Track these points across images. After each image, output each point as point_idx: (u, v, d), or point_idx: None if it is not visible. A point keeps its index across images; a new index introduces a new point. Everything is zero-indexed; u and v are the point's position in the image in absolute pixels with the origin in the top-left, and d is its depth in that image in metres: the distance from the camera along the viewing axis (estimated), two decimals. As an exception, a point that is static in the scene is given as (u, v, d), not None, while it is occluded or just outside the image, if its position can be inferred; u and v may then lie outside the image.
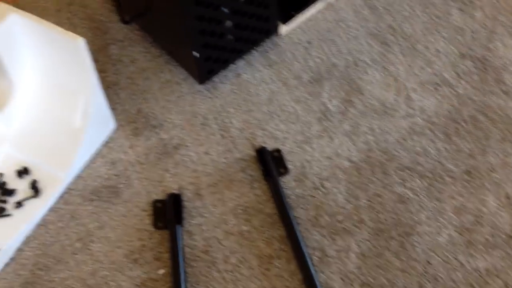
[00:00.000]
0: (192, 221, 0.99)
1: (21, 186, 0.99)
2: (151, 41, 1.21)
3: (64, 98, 1.01)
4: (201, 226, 0.98)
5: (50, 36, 0.91)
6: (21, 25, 0.92)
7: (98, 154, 1.06)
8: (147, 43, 1.21)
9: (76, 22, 1.24)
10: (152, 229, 0.98)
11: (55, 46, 0.93)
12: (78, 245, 0.96)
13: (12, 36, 0.92)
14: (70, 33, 0.88)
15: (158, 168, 1.05)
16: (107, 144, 1.08)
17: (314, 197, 1.00)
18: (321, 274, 0.92)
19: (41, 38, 0.93)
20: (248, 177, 1.04)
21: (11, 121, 1.01)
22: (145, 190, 1.03)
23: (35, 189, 0.98)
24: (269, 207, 1.00)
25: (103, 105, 1.03)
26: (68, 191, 1.02)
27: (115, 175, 1.04)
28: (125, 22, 1.13)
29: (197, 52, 1.01)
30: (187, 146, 1.08)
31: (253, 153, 1.07)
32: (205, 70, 1.08)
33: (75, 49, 0.90)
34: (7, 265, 0.93)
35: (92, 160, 1.05)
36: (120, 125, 1.10)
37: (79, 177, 1.03)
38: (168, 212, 0.98)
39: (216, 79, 1.16)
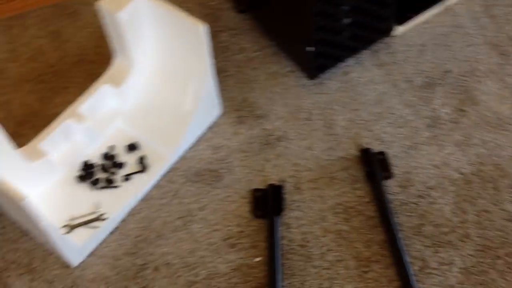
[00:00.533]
0: (291, 214, 1.01)
1: (130, 161, 1.04)
2: (261, 31, 1.23)
3: (178, 81, 1.05)
4: (299, 220, 1.00)
5: (172, 20, 0.95)
6: (147, 7, 0.96)
7: (203, 138, 1.10)
8: (257, 33, 1.24)
9: (191, 7, 1.28)
10: (250, 216, 1.01)
11: (176, 30, 0.97)
12: (178, 223, 1.00)
13: (137, 17, 0.97)
14: (193, 19, 0.92)
15: (259, 157, 1.08)
16: (211, 128, 1.11)
17: (418, 205, 0.99)
18: (421, 285, 0.91)
19: (164, 21, 0.97)
20: (350, 176, 1.05)
21: (127, 98, 1.06)
22: (246, 178, 1.05)
23: (143, 164, 1.03)
24: (370, 210, 1.00)
25: (213, 91, 1.06)
26: (172, 170, 1.06)
27: (218, 160, 1.07)
28: (240, 11, 1.16)
29: (312, 47, 1.03)
30: (289, 139, 1.10)
31: (357, 153, 1.07)
32: (316, 66, 1.09)
33: (196, 35, 0.94)
34: (111, 233, 0.98)
35: (197, 143, 1.09)
36: (225, 112, 1.13)
37: (183, 158, 1.07)
38: (268, 203, 1.00)
39: (323, 75, 1.17)
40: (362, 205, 1.01)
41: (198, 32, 0.91)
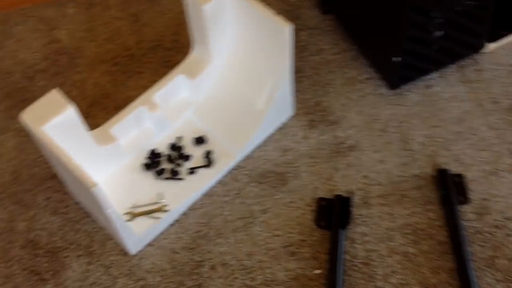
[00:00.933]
0: (356, 229, 0.98)
1: (196, 154, 1.04)
2: (342, 33, 1.20)
3: (254, 78, 1.03)
4: (364, 236, 0.97)
5: (257, 17, 0.94)
6: (232, 1, 0.95)
7: (271, 138, 1.08)
8: (337, 35, 1.21)
9: (270, 2, 1.26)
10: (313, 226, 0.99)
11: (259, 27, 0.96)
12: (239, 223, 0.99)
13: (222, 10, 0.96)
14: (279, 18, 0.90)
15: (328, 165, 1.05)
16: (281, 130, 1.09)
17: (493, 235, 0.94)
18: (489, 321, 0.86)
19: (248, 17, 0.96)
20: (423, 197, 1.01)
21: (200, 90, 1.06)
22: (312, 185, 1.03)
23: (209, 159, 1.03)
24: (442, 235, 0.96)
25: (289, 92, 1.04)
26: (238, 168, 1.05)
27: (285, 163, 1.05)
28: (324, 11, 1.14)
29: (398, 57, 0.99)
30: (362, 149, 1.07)
31: (432, 173, 1.03)
32: (399, 76, 1.06)
33: (280, 35, 0.92)
34: (171, 225, 0.98)
35: (264, 143, 1.08)
36: (297, 113, 1.11)
37: (249, 157, 1.06)
38: (334, 214, 0.98)
39: (404, 86, 1.13)
40: (433, 229, 0.97)
41: (283, 32, 0.90)
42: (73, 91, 1.14)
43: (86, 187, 0.75)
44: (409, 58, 1.01)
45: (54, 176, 1.03)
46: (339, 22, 1.21)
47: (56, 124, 0.80)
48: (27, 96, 1.13)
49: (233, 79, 1.06)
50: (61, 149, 0.77)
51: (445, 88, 1.12)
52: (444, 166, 1.03)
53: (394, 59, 0.98)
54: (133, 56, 1.19)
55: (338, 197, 1.00)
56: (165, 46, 1.20)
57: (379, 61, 1.10)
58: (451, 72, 1.14)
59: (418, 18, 0.94)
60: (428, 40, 1.00)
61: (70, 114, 0.82)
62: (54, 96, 0.82)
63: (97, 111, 1.11)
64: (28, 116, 0.80)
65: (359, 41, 1.16)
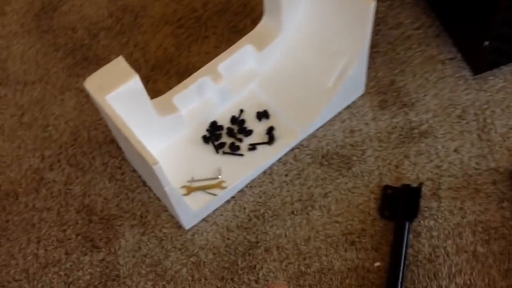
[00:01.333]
0: (423, 222, 0.93)
1: (258, 129, 1.00)
2: (424, 7, 1.12)
3: (326, 55, 0.98)
4: (431, 231, 0.92)
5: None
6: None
7: (338, 117, 1.03)
8: (419, 8, 1.13)
9: (349, -33, 1.19)
10: (376, 215, 0.94)
11: (338, 1, 0.90)
12: (298, 205, 0.96)
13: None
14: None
15: (397, 151, 0.99)
16: (349, 108, 1.04)
17: None
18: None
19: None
20: (499, 193, 0.94)
21: (267, 62, 1.01)
22: (378, 171, 0.98)
23: (271, 136, 0.99)
24: (516, 237, 0.90)
25: (363, 71, 0.98)
26: (300, 147, 1.01)
27: (351, 145, 1.01)
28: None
29: (489, 42, 0.91)
30: (436, 136, 1.00)
31: (511, 168, 0.96)
32: (487, 61, 0.98)
33: (361, 11, 0.86)
34: (227, 202, 0.96)
35: (330, 122, 1.03)
36: (367, 92, 1.05)
37: (313, 136, 1.02)
38: (401, 204, 0.93)
39: (488, 70, 1.05)
40: (506, 228, 0.91)
41: (366, 9, 0.83)
42: (136, 53, 1.12)
43: (147, 163, 0.73)
44: (501, 43, 0.93)
45: (112, 141, 1.03)
46: (422, -6, 1.13)
47: (120, 93, 0.79)
48: (89, 54, 1.12)
49: (303, 53, 1.01)
50: (123, 122, 0.75)
51: (534, 75, 1.04)
52: (526, 162, 0.96)
53: (486, 43, 0.90)
54: (199, 19, 1.15)
55: (406, 186, 0.95)
56: (233, 10, 1.15)
57: (465, 42, 1.02)
58: (544, 58, 1.05)
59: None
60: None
61: (135, 83, 0.80)
62: (120, 63, 0.80)
63: (159, 75, 1.09)
64: (92, 83, 0.78)
65: (444, 18, 1.08)
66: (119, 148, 1.01)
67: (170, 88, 1.07)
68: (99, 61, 1.11)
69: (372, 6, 0.83)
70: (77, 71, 1.10)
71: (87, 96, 1.07)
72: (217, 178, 0.95)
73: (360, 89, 1.04)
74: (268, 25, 1.00)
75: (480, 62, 0.98)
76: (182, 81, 1.07)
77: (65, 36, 1.15)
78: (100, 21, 1.16)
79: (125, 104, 0.80)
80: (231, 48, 0.99)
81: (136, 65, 1.10)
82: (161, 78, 1.09)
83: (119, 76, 0.79)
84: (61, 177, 1.00)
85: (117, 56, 1.11)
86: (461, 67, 1.06)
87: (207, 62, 1.09)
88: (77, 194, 0.98)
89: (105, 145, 1.03)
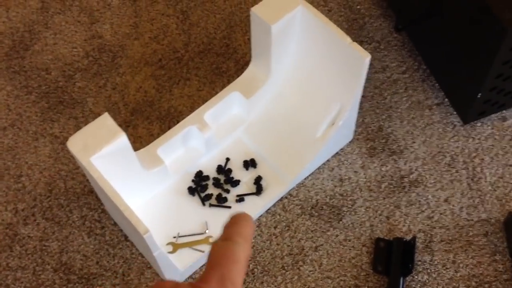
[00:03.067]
0: (416, 277, 0.92)
1: (245, 179, 0.98)
2: (410, 50, 1.13)
3: (316, 103, 0.97)
4: (424, 286, 0.91)
5: (330, 41, 0.87)
6: (305, 20, 0.88)
7: (326, 165, 1.02)
8: (405, 50, 1.13)
9: (333, 7, 1.19)
10: (369, 269, 0.93)
11: (331, 51, 0.89)
12: (288, 260, 0.94)
13: (291, 28, 0.89)
14: (358, 47, 0.83)
15: (388, 201, 0.99)
16: (337, 156, 1.03)
17: None
18: None
19: (319, 39, 0.89)
20: (491, 245, 0.95)
21: (254, 109, 1.00)
22: (369, 222, 0.97)
23: (259, 186, 0.97)
24: (511, 292, 0.90)
25: (353, 120, 0.98)
26: (289, 197, 0.99)
27: (340, 195, 1.00)
28: (397, 29, 1.06)
29: (481, 93, 0.91)
30: (426, 186, 1.00)
31: (502, 218, 0.97)
32: (477, 111, 0.98)
33: (355, 64, 0.85)
34: (214, 258, 0.94)
35: (319, 170, 1.02)
36: (355, 139, 1.05)
37: (302, 185, 1.00)
38: (394, 259, 0.92)
39: (476, 116, 1.06)
40: (500, 283, 0.91)
41: (361, 62, 0.83)
42: (115, 96, 1.08)
43: (137, 232, 0.70)
44: (491, 94, 0.94)
45: (91, 191, 0.99)
46: (409, 36, 1.13)
47: (106, 153, 0.75)
48: (65, 97, 1.08)
49: (292, 100, 1.00)
50: (111, 187, 0.72)
51: (522, 122, 1.05)
52: (516, 213, 0.97)
53: (479, 95, 0.91)
54: (181, 60, 1.12)
55: (399, 240, 0.94)
56: (215, 51, 1.13)
57: (454, 91, 1.03)
58: (530, 105, 1.06)
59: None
60: (517, 76, 0.92)
61: (121, 142, 0.77)
62: (105, 120, 0.77)
63: (139, 120, 1.06)
64: (76, 143, 0.75)
65: (431, 62, 1.08)
66: (98, 199, 0.98)
67: (151, 134, 1.04)
68: (75, 105, 1.07)
69: (367, 60, 0.83)
70: (51, 116, 1.06)
71: (63, 143, 1.03)
72: (204, 233, 0.93)
73: (349, 136, 1.03)
74: (256, 71, 0.98)
75: (471, 112, 0.98)
76: (164, 126, 1.05)
77: (38, 77, 1.10)
78: (76, 62, 1.12)
79: (110, 162, 0.77)
80: (217, 95, 0.97)
81: (115, 109, 1.07)
82: (141, 123, 1.06)
83: (104, 135, 0.75)
84: (36, 232, 0.96)
85: (94, 99, 1.08)
86: (449, 113, 1.06)
87: (190, 106, 1.07)
88: (54, 251, 0.94)
89: (83, 197, 0.99)
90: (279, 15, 0.84)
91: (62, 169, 1.01)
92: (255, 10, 0.85)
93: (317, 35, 0.89)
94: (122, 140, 0.76)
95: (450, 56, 0.98)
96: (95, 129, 0.76)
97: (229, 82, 1.09)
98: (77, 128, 1.04)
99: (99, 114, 1.06)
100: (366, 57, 0.82)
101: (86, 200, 0.98)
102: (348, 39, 0.84)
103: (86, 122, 1.05)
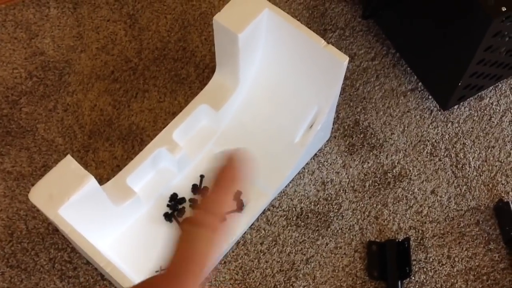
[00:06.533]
0: (413, 277, 0.90)
1: (223, 195, 0.92)
2: (376, 34, 1.08)
3: (291, 108, 0.91)
4: (423, 286, 0.89)
5: (301, 43, 0.82)
6: (272, 23, 0.81)
7: (306, 169, 0.98)
8: (372, 35, 1.08)
9: (292, -5, 1.12)
10: (364, 276, 0.90)
11: (303, 55, 0.83)
12: (280, 277, 0.89)
13: (257, 33, 0.82)
14: (334, 50, 0.78)
15: (374, 200, 0.95)
16: (316, 157, 0.99)
17: None
18: None
19: (289, 42, 0.84)
20: (484, 234, 0.93)
21: (224, 120, 0.93)
22: (358, 226, 0.93)
23: (239, 202, 0.91)
24: (509, 279, 0.88)
25: (331, 120, 0.93)
26: (272, 208, 0.94)
27: (324, 200, 0.95)
28: (364, 17, 1.01)
29: (463, 80, 0.88)
30: (411, 179, 0.97)
31: (492, 204, 0.95)
32: (456, 97, 0.95)
33: (331, 65, 0.80)
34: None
35: (300, 176, 0.97)
36: (333, 137, 1.00)
37: (284, 193, 0.95)
38: (389, 263, 0.89)
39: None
40: (498, 273, 0.90)
41: (338, 65, 0.77)
42: (68, 118, 0.99)
43: (119, 284, 0.64)
44: (472, 79, 0.91)
45: (56, 230, 0.91)
46: (376, 22, 1.08)
47: (74, 201, 0.68)
48: (12, 126, 0.98)
49: (263, 107, 0.94)
50: (88, 243, 0.65)
51: (498, 99, 1.03)
52: (504, 195, 0.95)
53: (460, 84, 0.87)
54: (135, 70, 1.04)
55: (391, 242, 0.91)
56: (171, 56, 1.05)
57: (431, 77, 0.99)
58: (504, 80, 1.04)
59: (496, 42, 0.82)
60: (498, 60, 0.89)
61: (90, 186, 0.69)
62: (69, 164, 0.69)
63: (99, 143, 0.98)
64: (39, 194, 0.67)
65: (403, 48, 1.04)
66: (63, 237, 0.90)
67: (114, 156, 0.97)
68: (25, 133, 0.98)
69: (345, 63, 0.77)
70: (0, 150, 0.97)
71: (18, 179, 0.94)
72: (188, 261, 0.87)
73: (326, 136, 0.98)
74: (222, 80, 0.91)
75: (450, 99, 0.95)
76: (127, 146, 0.97)
77: (-21, 107, 1.00)
78: (19, 84, 1.02)
79: (79, 209, 0.70)
80: (184, 110, 0.90)
81: (70, 133, 0.98)
82: (102, 146, 0.97)
83: (70, 181, 0.68)
84: (1, 283, 0.87)
85: (45, 124, 0.99)
86: (424, 98, 1.03)
87: (152, 120, 1.00)
88: (25, 303, 0.86)
89: (48, 237, 0.90)
90: (245, 22, 0.77)
91: (20, 208, 0.92)
92: (218, 19, 0.78)
93: (286, 38, 0.83)
94: (91, 184, 0.69)
95: (426, 43, 0.94)
96: (59, 175, 0.68)
97: (191, 89, 1.02)
98: (31, 159, 0.96)
99: (52, 141, 0.97)
100: (344, 60, 0.77)
101: (52, 240, 0.90)
102: (322, 42, 0.78)
103: (40, 152, 0.96)
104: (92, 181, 0.69)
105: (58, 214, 0.66)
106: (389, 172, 0.98)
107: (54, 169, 0.69)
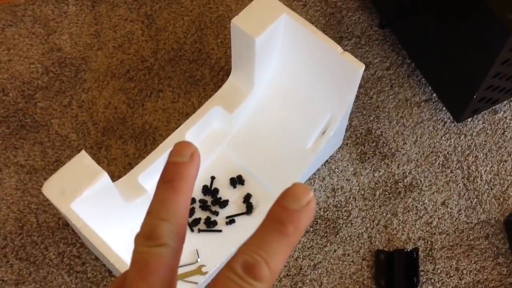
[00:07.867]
0: (420, 289, 0.90)
1: (233, 198, 0.93)
2: (392, 44, 1.08)
3: (304, 114, 0.92)
4: (430, 298, 0.89)
5: (318, 50, 0.82)
6: (290, 28, 0.82)
7: (317, 175, 0.98)
8: (388, 45, 1.09)
9: (308, 2, 1.13)
10: (372, 285, 0.90)
11: (319, 60, 0.84)
12: (286, 282, 0.90)
13: (275, 38, 0.83)
14: (350, 57, 0.78)
15: (384, 209, 0.95)
16: (327, 164, 0.99)
17: None
18: None
19: (306, 48, 0.84)
20: (493, 248, 0.93)
21: (237, 122, 0.94)
22: (367, 234, 0.94)
23: (249, 204, 0.92)
24: (517, 297, 0.88)
25: (344, 127, 0.93)
26: (281, 213, 0.94)
27: (334, 206, 0.96)
28: (381, 26, 1.01)
29: (478, 93, 0.88)
30: (421, 189, 0.97)
31: (501, 218, 0.95)
32: (470, 109, 0.95)
33: (347, 72, 0.80)
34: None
35: (310, 182, 0.97)
36: (345, 144, 1.00)
37: (293, 198, 0.95)
38: (397, 273, 0.89)
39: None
40: (506, 287, 0.90)
41: (354, 72, 0.78)
42: (82, 115, 1.00)
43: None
44: (487, 92, 0.91)
45: (66, 224, 0.92)
46: (392, 32, 1.09)
47: (87, 196, 0.68)
48: (27, 120, 1.00)
49: (276, 112, 0.94)
50: (99, 238, 0.66)
51: (513, 114, 1.03)
52: (516, 212, 0.95)
53: (476, 96, 0.87)
54: (151, 70, 1.05)
55: (400, 251, 0.91)
56: (187, 58, 1.06)
57: (445, 89, 0.99)
58: (520, 95, 1.04)
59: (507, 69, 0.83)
60: (510, 75, 0.89)
61: (103, 182, 0.70)
62: (82, 160, 0.70)
63: (112, 140, 0.99)
64: (52, 189, 0.68)
65: (419, 58, 1.04)
66: (75, 233, 0.91)
67: (126, 154, 0.98)
68: (39, 128, 0.99)
69: (361, 71, 0.78)
70: (14, 143, 0.98)
71: (30, 172, 0.95)
72: (196, 262, 0.87)
73: (338, 143, 0.99)
74: (237, 83, 0.92)
75: (464, 112, 0.95)
76: (139, 144, 0.98)
77: (-5, 100, 1.02)
78: (35, 79, 1.03)
79: (92, 204, 0.70)
80: (198, 111, 0.91)
81: (83, 130, 0.99)
82: (114, 143, 0.98)
83: (84, 177, 0.69)
84: (10, 275, 0.88)
85: (60, 120, 1.00)
86: (438, 109, 1.03)
87: (165, 120, 1.01)
88: (32, 296, 0.87)
89: (58, 231, 0.91)
90: (263, 27, 0.78)
91: (31, 201, 0.93)
92: (236, 22, 0.79)
93: (303, 44, 0.83)
94: (104, 180, 0.70)
95: (442, 54, 0.94)
96: (72, 170, 0.69)
97: (205, 91, 1.03)
98: (44, 154, 0.97)
99: (66, 137, 0.98)
100: (360, 68, 0.77)
101: (62, 234, 0.91)
102: (339, 49, 0.79)
103: (53, 147, 0.97)
104: (105, 177, 0.70)
105: (70, 209, 0.66)
106: (400, 182, 0.98)
107: (68, 163, 0.70)
